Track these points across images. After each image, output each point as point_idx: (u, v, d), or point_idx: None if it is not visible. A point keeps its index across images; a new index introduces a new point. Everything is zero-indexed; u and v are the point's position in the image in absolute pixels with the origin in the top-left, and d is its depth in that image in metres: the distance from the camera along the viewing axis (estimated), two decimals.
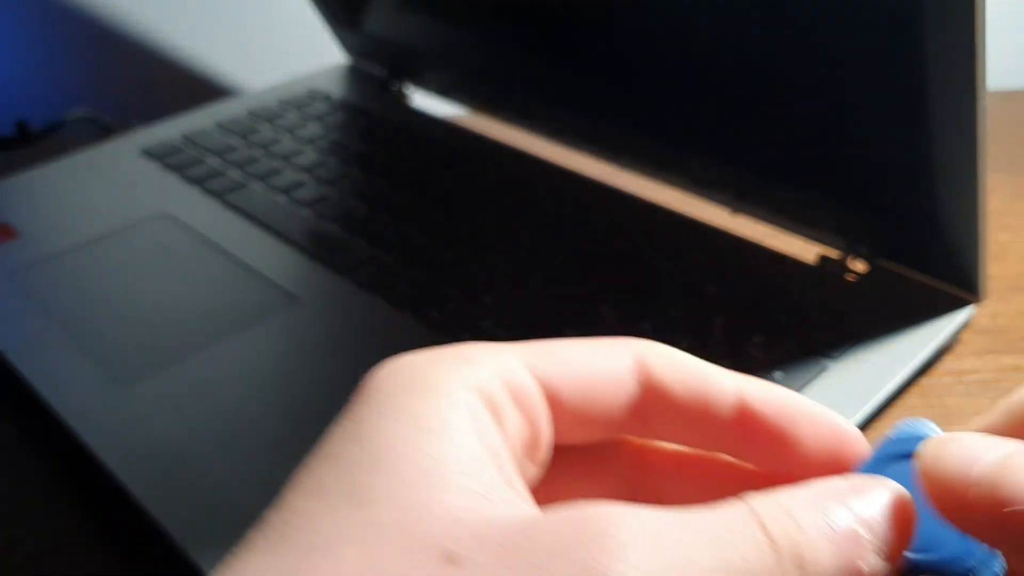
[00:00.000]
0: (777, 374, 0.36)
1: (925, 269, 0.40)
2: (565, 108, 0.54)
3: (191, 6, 0.78)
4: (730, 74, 0.41)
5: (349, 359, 0.40)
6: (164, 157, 0.59)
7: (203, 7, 0.78)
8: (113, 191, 0.56)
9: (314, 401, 0.36)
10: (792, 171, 0.42)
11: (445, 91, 0.63)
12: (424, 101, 0.65)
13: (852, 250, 0.42)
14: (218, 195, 0.54)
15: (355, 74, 0.69)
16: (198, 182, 0.56)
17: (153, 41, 0.79)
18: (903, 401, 0.39)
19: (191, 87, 0.78)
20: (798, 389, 0.35)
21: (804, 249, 0.44)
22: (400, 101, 0.65)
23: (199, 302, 0.44)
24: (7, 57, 0.75)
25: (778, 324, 0.39)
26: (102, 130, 0.66)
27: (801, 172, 0.42)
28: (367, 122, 0.62)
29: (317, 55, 0.69)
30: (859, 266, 0.42)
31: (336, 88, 0.67)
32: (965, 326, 0.40)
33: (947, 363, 0.41)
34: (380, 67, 0.67)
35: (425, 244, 0.47)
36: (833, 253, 0.43)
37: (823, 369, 0.36)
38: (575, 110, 0.53)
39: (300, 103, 0.65)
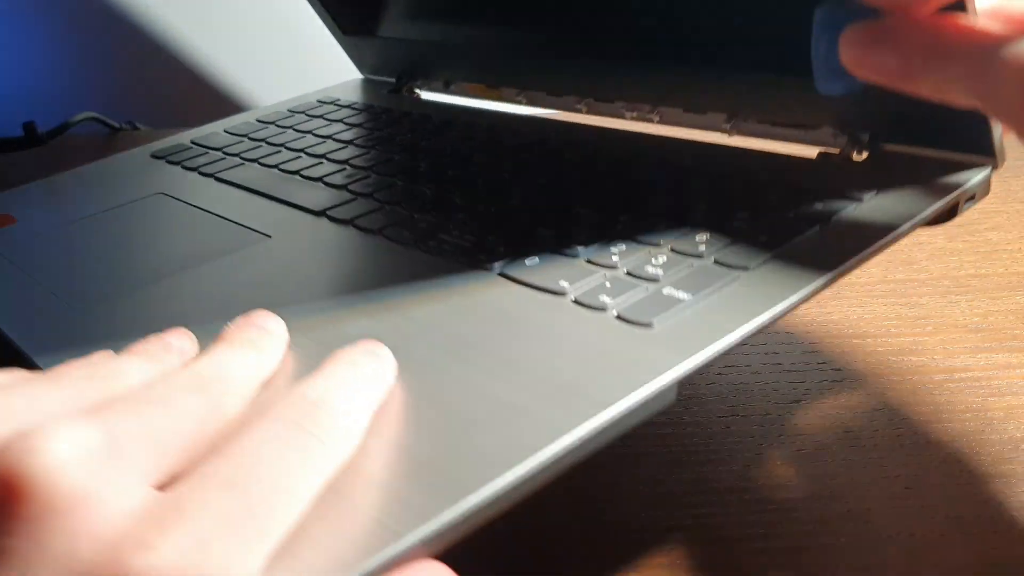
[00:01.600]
0: (762, 237, 0.33)
1: (933, 142, 0.36)
2: (559, 63, 0.53)
3: (200, 14, 0.80)
4: None
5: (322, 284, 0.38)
6: (170, 155, 0.60)
7: (211, 17, 0.79)
8: (112, 183, 0.56)
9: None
10: (783, 66, 0.39)
11: (447, 83, 0.63)
12: (432, 96, 0.65)
13: (854, 141, 0.39)
14: (213, 175, 0.54)
15: (366, 84, 0.70)
16: (196, 168, 0.56)
17: (162, 46, 0.80)
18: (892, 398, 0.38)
19: (199, 94, 0.79)
20: (779, 249, 0.32)
21: (804, 152, 0.41)
22: (409, 98, 0.66)
23: (181, 253, 0.43)
24: (15, 60, 0.77)
25: (766, 203, 0.36)
26: (108, 132, 0.66)
27: (792, 65, 0.39)
28: (371, 112, 0.62)
29: (333, 76, 0.70)
30: (863, 155, 0.39)
31: (345, 95, 0.68)
32: (982, 190, 0.36)
33: (938, 361, 0.41)
34: (390, 76, 0.68)
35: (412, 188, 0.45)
36: (833, 149, 0.40)
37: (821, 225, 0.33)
38: (569, 63, 0.52)
39: (308, 108, 0.66)
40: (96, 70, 0.81)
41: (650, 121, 0.48)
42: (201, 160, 0.57)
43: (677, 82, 0.46)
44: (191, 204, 0.50)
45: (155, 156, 0.60)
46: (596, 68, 0.50)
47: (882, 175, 0.36)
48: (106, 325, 0.36)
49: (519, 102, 0.57)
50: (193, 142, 0.62)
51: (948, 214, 0.34)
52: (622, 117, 0.50)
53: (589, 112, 0.52)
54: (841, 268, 0.30)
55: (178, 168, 0.57)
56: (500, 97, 0.59)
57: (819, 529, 0.32)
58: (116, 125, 0.69)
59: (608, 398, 0.25)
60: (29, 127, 0.67)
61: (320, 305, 0.34)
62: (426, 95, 0.66)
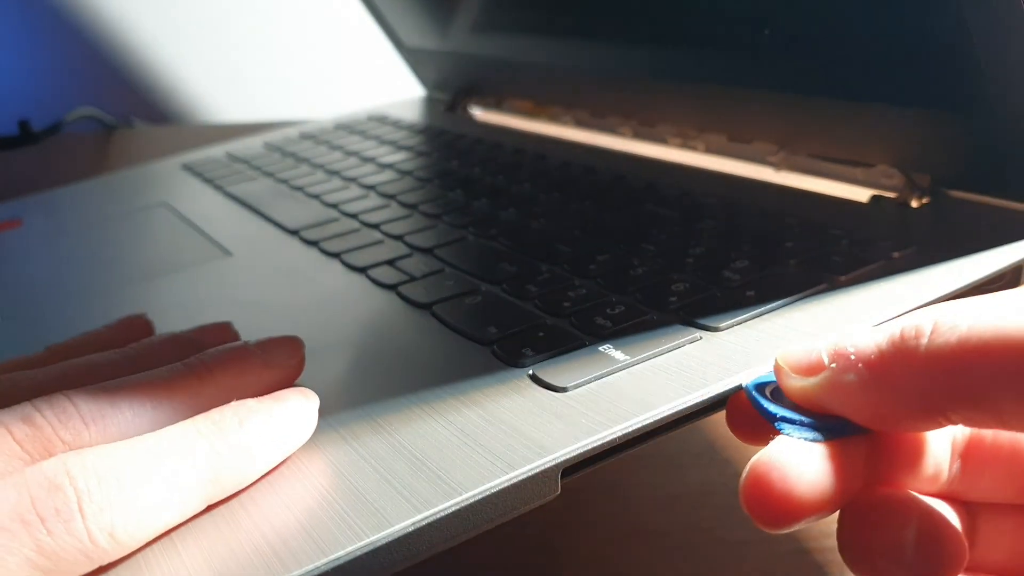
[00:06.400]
0: (749, 293, 0.27)
1: (1004, 191, 0.30)
2: (606, 81, 0.50)
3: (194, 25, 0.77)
4: None
5: (282, 300, 0.35)
6: (196, 166, 0.59)
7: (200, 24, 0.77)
8: (130, 191, 0.56)
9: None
10: (835, 95, 0.35)
11: (499, 101, 0.61)
12: (483, 115, 0.63)
13: (912, 185, 0.33)
14: (222, 188, 0.53)
15: (426, 102, 0.68)
16: (212, 180, 0.55)
17: (161, 43, 0.78)
18: None
19: (199, 91, 0.77)
20: (769, 308, 0.27)
21: (858, 194, 0.36)
22: (461, 117, 0.63)
23: (141, 266, 0.42)
24: (10, 58, 0.75)
25: (781, 249, 0.31)
26: (104, 129, 0.64)
27: (846, 94, 0.34)
28: (412, 130, 0.60)
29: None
30: (923, 201, 0.34)
31: (398, 112, 0.66)
32: None
33: None
34: (449, 93, 0.65)
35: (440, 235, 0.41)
36: (891, 193, 0.34)
37: (831, 283, 0.28)
38: (617, 81, 0.49)
39: (355, 124, 0.64)
40: (92, 66, 0.79)
41: (694, 149, 0.44)
42: (222, 172, 0.56)
43: (725, 105, 0.41)
44: (184, 217, 0.48)
45: (185, 167, 0.60)
46: (643, 87, 0.47)
47: (939, 226, 0.31)
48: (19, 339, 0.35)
49: (565, 122, 0.55)
50: (228, 153, 0.61)
51: (1015, 275, 0.28)
52: (665, 143, 0.47)
53: (634, 136, 0.49)
54: None
55: (198, 180, 0.56)
56: (548, 115, 0.57)
57: (824, 533, 0.31)
58: (112, 122, 0.67)
59: (463, 487, 0.20)
60: (24, 125, 0.65)
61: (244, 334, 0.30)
62: (478, 114, 0.63)
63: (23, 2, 0.76)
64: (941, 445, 0.22)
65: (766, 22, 0.36)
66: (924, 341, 0.18)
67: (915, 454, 0.21)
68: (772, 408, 0.21)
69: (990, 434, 0.22)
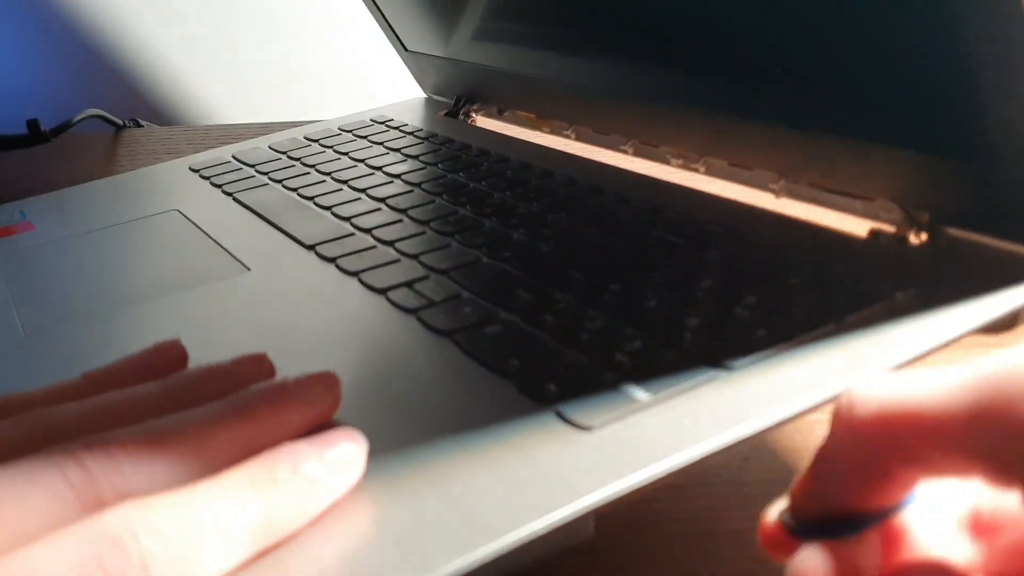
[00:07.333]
0: (760, 332, 0.28)
1: (1003, 231, 0.31)
2: (611, 100, 0.50)
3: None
4: (774, 23, 0.36)
5: (306, 323, 0.36)
6: (204, 170, 0.59)
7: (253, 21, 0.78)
8: (139, 195, 0.56)
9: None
10: (840, 126, 0.36)
11: (501, 110, 0.61)
12: (485, 123, 0.63)
13: (911, 220, 0.34)
14: (233, 195, 0.54)
15: (427, 104, 0.68)
16: (222, 186, 0.55)
17: (168, 44, 0.78)
18: None
19: (204, 92, 0.77)
20: (777, 349, 0.28)
21: (857, 226, 0.37)
22: (464, 124, 0.63)
23: (157, 279, 0.42)
24: (19, 58, 0.76)
25: (786, 286, 0.32)
26: (112, 129, 0.65)
27: (850, 126, 0.35)
28: (416, 136, 0.60)
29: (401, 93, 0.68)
30: (921, 237, 0.35)
31: (400, 115, 0.66)
32: None
33: None
34: (450, 97, 0.66)
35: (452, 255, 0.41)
36: (889, 228, 0.35)
37: (839, 324, 0.29)
38: (621, 101, 0.50)
39: (357, 127, 0.64)
40: (98, 69, 0.79)
41: (695, 171, 0.45)
42: (231, 177, 0.56)
43: (728, 132, 0.42)
44: (196, 225, 0.49)
45: (192, 169, 0.60)
46: (648, 109, 0.48)
47: (939, 266, 0.32)
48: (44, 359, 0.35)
49: (567, 136, 0.56)
50: (234, 156, 0.61)
51: (1011, 320, 0.29)
52: (667, 163, 0.47)
53: (635, 155, 0.50)
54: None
55: (207, 184, 0.57)
56: (550, 128, 0.57)
57: None
58: (120, 123, 0.67)
59: (500, 531, 0.21)
60: (33, 124, 0.65)
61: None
62: (480, 120, 0.64)
63: (30, 4, 0.76)
64: (944, 525, 0.22)
65: (772, 56, 0.37)
66: (848, 415, 0.20)
67: (915, 539, 0.22)
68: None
69: (987, 511, 0.23)
